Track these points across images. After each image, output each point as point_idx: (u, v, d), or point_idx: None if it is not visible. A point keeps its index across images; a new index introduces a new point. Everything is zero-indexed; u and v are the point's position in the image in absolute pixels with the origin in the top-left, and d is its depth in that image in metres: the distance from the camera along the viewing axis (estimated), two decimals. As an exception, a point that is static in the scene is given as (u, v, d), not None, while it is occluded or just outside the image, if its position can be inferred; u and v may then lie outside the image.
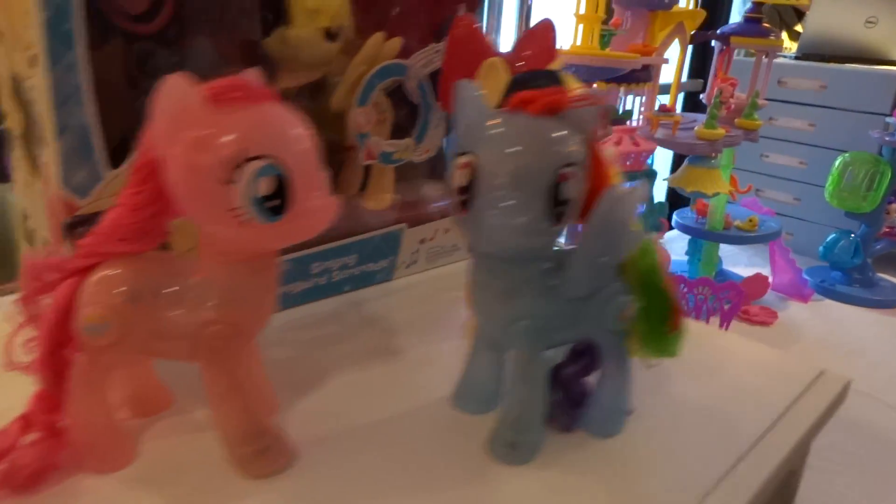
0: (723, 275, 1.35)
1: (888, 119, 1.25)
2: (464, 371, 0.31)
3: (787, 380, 0.38)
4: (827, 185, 1.30)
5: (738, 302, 0.96)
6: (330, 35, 0.36)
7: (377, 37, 0.38)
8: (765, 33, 1.20)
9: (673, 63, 1.15)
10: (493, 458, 0.28)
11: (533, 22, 0.43)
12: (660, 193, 1.15)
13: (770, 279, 1.33)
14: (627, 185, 0.27)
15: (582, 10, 0.88)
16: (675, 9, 1.12)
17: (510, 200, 0.24)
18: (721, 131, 1.06)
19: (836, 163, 1.29)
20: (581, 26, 0.87)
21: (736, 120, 1.17)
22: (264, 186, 0.21)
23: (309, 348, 0.35)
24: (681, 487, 0.28)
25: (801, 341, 1.13)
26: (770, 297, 1.30)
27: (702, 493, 0.27)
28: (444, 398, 0.31)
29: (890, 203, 1.29)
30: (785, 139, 1.56)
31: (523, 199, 0.24)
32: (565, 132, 0.25)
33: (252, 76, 0.24)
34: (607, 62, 0.89)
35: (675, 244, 1.40)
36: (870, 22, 1.64)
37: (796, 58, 1.73)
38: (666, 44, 1.12)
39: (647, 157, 0.79)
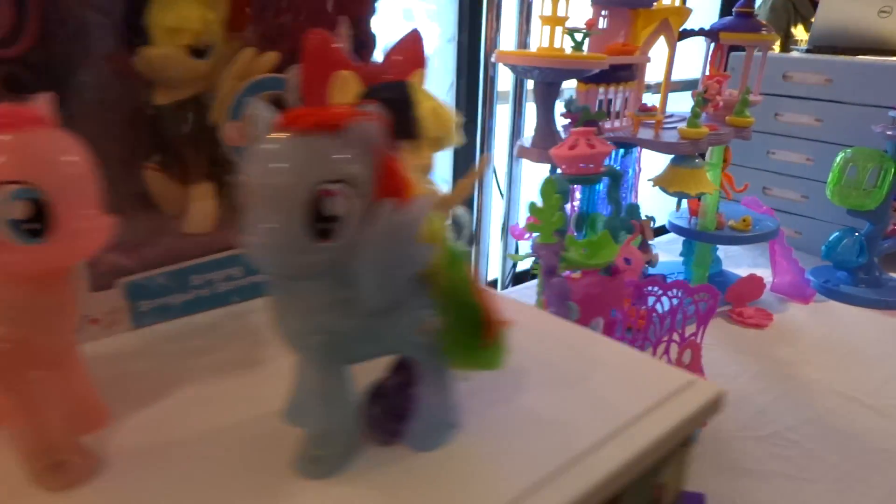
0: (723, 276, 1.31)
1: (891, 113, 1.20)
2: (294, 385, 0.31)
3: (647, 389, 0.37)
4: (828, 181, 1.26)
5: (713, 304, 0.94)
6: (196, 52, 0.37)
7: (247, 51, 0.39)
8: (756, 28, 1.17)
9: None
10: (298, 473, 0.28)
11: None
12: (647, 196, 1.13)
13: (772, 280, 1.29)
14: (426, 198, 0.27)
15: (547, 13, 0.87)
16: (658, 6, 1.10)
17: (266, 220, 0.24)
18: (704, 130, 1.03)
19: (837, 159, 1.25)
20: (546, 28, 0.86)
21: (727, 117, 1.14)
22: (19, 210, 0.22)
23: (170, 360, 0.36)
24: (483, 499, 0.28)
25: (796, 343, 1.10)
26: (770, 298, 1.27)
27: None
28: (281, 411, 0.32)
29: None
30: (791, 135, 1.51)
31: (278, 218, 0.24)
32: (328, 148, 0.25)
33: (37, 102, 0.25)
34: (571, 63, 0.88)
35: (672, 246, 1.37)
36: (884, 11, 1.58)
37: (807, 51, 1.68)
38: (650, 42, 1.10)
39: (603, 159, 0.77)
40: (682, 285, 0.91)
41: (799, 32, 2.05)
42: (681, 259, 1.30)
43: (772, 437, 0.84)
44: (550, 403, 0.34)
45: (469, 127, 1.32)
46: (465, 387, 0.31)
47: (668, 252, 1.35)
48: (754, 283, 1.19)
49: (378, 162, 0.26)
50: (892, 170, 1.21)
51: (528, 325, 0.46)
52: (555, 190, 0.66)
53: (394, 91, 0.34)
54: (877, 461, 0.80)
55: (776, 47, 1.87)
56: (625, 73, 1.08)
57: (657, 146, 1.03)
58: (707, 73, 1.22)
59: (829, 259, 1.29)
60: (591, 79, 1.04)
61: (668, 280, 1.19)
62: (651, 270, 1.16)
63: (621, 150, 1.08)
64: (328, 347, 0.26)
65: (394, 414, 0.30)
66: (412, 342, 0.28)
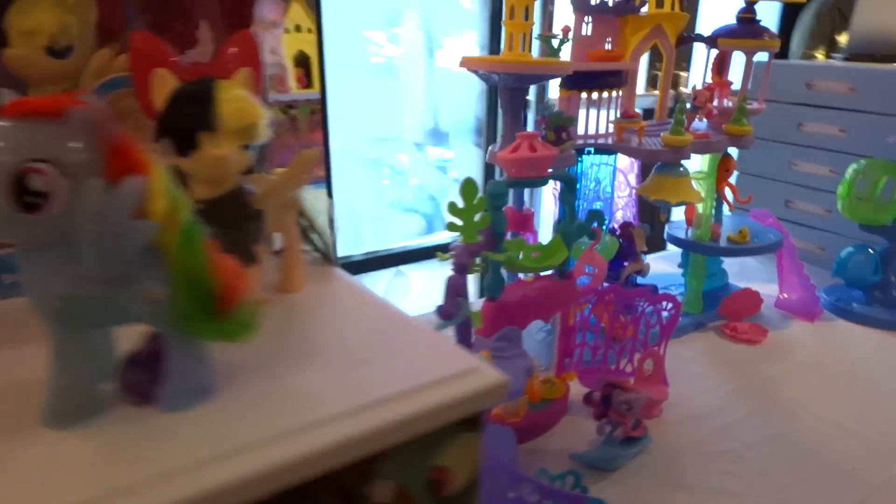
0: (727, 290, 1.27)
1: (905, 124, 1.14)
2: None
3: (425, 370, 0.38)
4: (838, 194, 1.20)
5: (675, 314, 0.91)
6: (55, 53, 0.41)
7: (103, 52, 0.42)
8: (757, 34, 1.13)
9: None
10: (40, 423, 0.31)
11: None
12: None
13: (779, 295, 1.24)
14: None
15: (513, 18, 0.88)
16: (650, 11, 1.08)
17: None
18: (687, 137, 1.01)
19: (849, 170, 1.19)
20: (511, 34, 0.87)
21: (724, 125, 1.11)
22: None
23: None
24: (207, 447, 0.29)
25: (786, 361, 1.05)
26: (773, 314, 1.22)
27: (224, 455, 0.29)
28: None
29: (916, 215, 1.17)
30: (814, 146, 1.45)
31: None
32: (37, 132, 0.28)
33: None
34: (533, 69, 0.88)
35: (673, 258, 1.34)
36: None
37: (844, 58, 1.61)
38: (640, 48, 1.09)
39: (547, 163, 0.77)
40: (645, 294, 0.90)
41: (844, 39, 1.95)
42: (680, 271, 1.27)
43: (727, 453, 0.81)
44: (320, 376, 0.36)
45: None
46: (236, 356, 0.35)
47: (673, 263, 1.32)
48: (750, 297, 1.15)
49: (106, 145, 0.29)
50: (906, 183, 1.14)
51: (344, 306, 0.50)
52: (476, 191, 0.67)
53: (198, 86, 0.37)
54: (835, 486, 0.76)
55: (819, 55, 1.79)
56: (613, 79, 1.07)
57: (636, 153, 1.02)
58: (709, 80, 1.19)
59: (840, 276, 1.23)
60: (573, 85, 1.04)
61: (661, 291, 1.18)
62: (644, 281, 1.14)
63: (600, 157, 1.07)
64: (64, 313, 0.29)
65: (146, 378, 0.32)
66: (144, 311, 0.30)
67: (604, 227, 0.91)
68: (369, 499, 0.34)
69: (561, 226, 0.84)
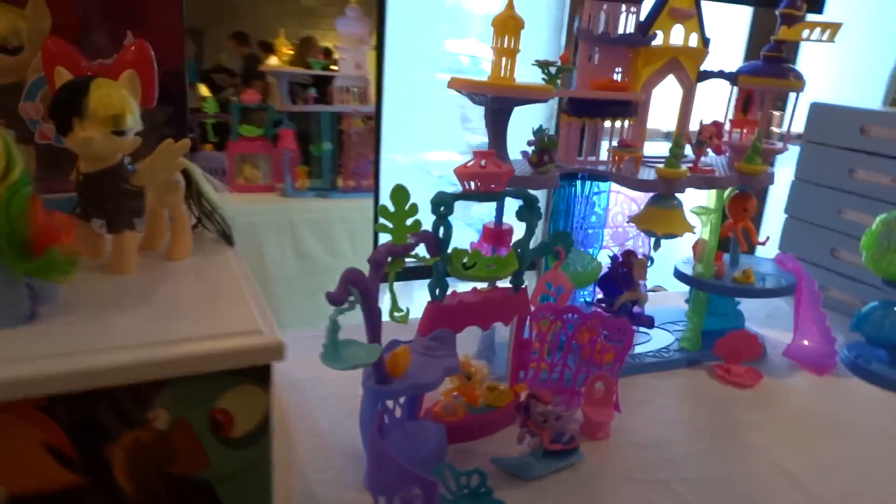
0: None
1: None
2: None
3: (212, 324, 0.44)
4: (862, 245, 1.14)
5: (628, 341, 0.91)
6: (7, 50, 0.52)
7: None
8: (782, 74, 1.11)
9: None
10: None
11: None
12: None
13: (791, 343, 1.19)
14: None
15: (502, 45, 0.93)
16: (664, 45, 1.10)
17: None
18: (682, 171, 1.01)
19: (875, 222, 1.12)
20: (498, 59, 0.93)
21: (736, 163, 1.10)
22: None
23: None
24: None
25: (769, 409, 1.01)
26: (783, 362, 1.17)
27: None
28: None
29: (952, 274, 1.09)
30: (865, 195, 1.37)
31: None
32: None
33: None
34: (515, 92, 0.93)
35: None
36: None
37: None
38: (653, 81, 1.11)
39: (495, 180, 0.81)
40: (600, 317, 0.92)
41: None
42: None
43: (657, 483, 0.81)
44: (132, 318, 0.46)
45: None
46: (78, 296, 0.44)
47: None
48: (748, 340, 1.12)
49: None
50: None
51: (206, 275, 0.60)
52: (407, 198, 0.73)
53: (79, 81, 0.47)
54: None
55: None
56: (619, 108, 1.09)
57: (626, 181, 1.03)
58: (732, 117, 1.18)
59: (859, 331, 1.16)
60: (575, 111, 1.07)
61: (663, 324, 1.17)
62: (653, 312, 1.14)
63: (588, 184, 1.09)
64: None
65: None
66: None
67: (569, 250, 0.93)
68: (148, 422, 0.41)
69: (518, 242, 0.88)
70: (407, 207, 0.73)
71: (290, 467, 0.83)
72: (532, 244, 0.89)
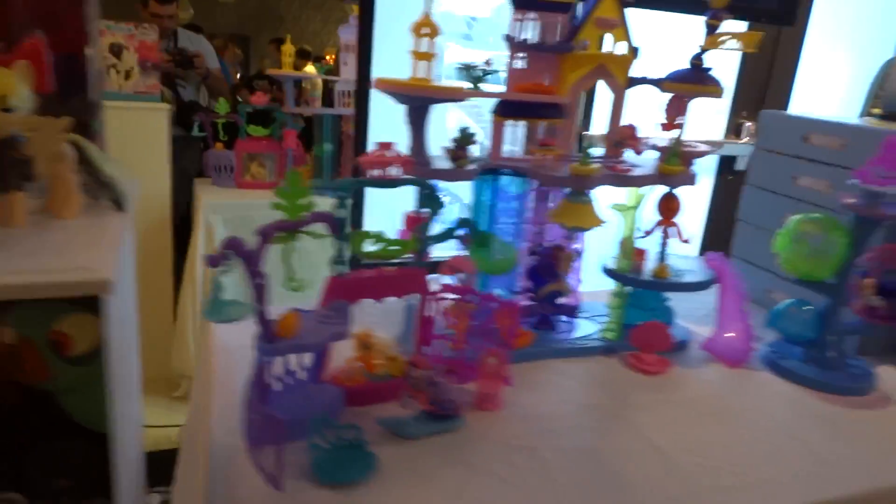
0: (678, 328, 1.30)
1: (852, 180, 1.11)
2: None
3: (57, 264, 0.55)
4: (776, 245, 1.19)
5: (515, 322, 0.99)
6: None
7: (-30, 45, 0.65)
8: (702, 80, 1.18)
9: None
10: None
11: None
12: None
13: (709, 337, 1.25)
14: None
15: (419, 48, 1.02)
16: (590, 51, 1.17)
17: None
18: (592, 168, 1.09)
19: (790, 223, 1.17)
20: (416, 61, 1.02)
21: (659, 166, 1.17)
22: None
23: None
24: None
25: (666, 394, 1.08)
26: (701, 355, 1.23)
27: None
28: None
29: (863, 276, 1.14)
30: (806, 200, 1.41)
31: None
32: None
33: None
34: (430, 92, 1.02)
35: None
36: None
37: (882, 117, 1.55)
38: (580, 85, 1.19)
39: (404, 167, 0.91)
40: (490, 297, 1.00)
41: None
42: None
43: (526, 449, 0.89)
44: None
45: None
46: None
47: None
48: (657, 331, 1.18)
49: None
50: (844, 239, 1.12)
51: (84, 231, 0.71)
52: (300, 180, 0.83)
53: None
54: (615, 494, 0.82)
55: (875, 110, 1.71)
56: (546, 110, 1.17)
57: (539, 176, 1.11)
58: (665, 121, 1.24)
59: (774, 327, 1.21)
60: (503, 112, 1.16)
61: (591, 316, 1.25)
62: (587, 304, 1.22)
63: (510, 179, 1.17)
64: None
65: None
66: None
67: (475, 237, 1.02)
68: (-1, 340, 0.52)
69: (419, 227, 0.97)
70: (300, 189, 0.84)
71: (206, 412, 0.95)
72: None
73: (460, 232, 1.01)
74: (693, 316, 1.37)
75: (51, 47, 0.68)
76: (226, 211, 2.35)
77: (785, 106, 2.50)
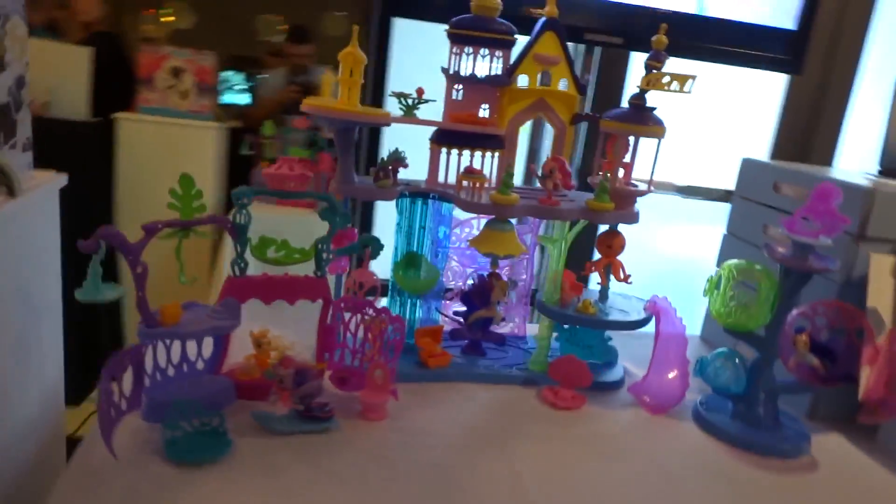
0: (608, 367, 1.28)
1: (782, 229, 1.07)
2: None
3: None
4: (704, 290, 1.16)
5: (401, 335, 1.02)
6: None
7: None
8: (641, 120, 1.18)
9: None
10: None
11: None
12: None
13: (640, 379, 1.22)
14: None
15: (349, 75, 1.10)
16: (530, 86, 1.21)
17: None
18: (513, 198, 1.11)
19: (720, 269, 1.14)
20: (344, 87, 1.10)
21: (587, 200, 1.18)
22: None
23: None
24: None
25: (561, 430, 1.06)
26: (627, 396, 1.21)
27: None
28: None
29: (798, 332, 1.09)
30: (773, 251, 1.35)
31: None
32: None
33: None
34: (354, 117, 1.09)
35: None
36: None
37: (879, 172, 1.48)
38: (519, 119, 1.23)
39: (293, 182, 0.98)
40: (387, 312, 1.04)
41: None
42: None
43: (382, 458, 0.91)
44: None
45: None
46: None
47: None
48: (576, 366, 1.17)
49: None
50: (774, 289, 1.07)
51: None
52: (192, 185, 0.92)
53: None
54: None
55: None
56: (483, 141, 1.21)
57: (459, 203, 1.15)
58: (605, 157, 1.25)
59: (700, 376, 1.17)
60: (439, 139, 1.21)
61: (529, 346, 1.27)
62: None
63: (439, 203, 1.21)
64: None
65: None
66: None
67: (377, 252, 1.07)
68: None
69: (319, 239, 1.03)
70: (193, 192, 0.93)
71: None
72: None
73: (366, 247, 1.06)
74: (638, 356, 1.33)
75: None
76: (262, 225, 2.51)
77: (830, 160, 2.39)
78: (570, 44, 1.23)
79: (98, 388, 0.82)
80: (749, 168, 1.46)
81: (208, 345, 1.01)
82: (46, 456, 1.15)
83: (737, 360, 1.13)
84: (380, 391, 1.01)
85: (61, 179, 1.08)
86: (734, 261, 1.13)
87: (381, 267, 1.19)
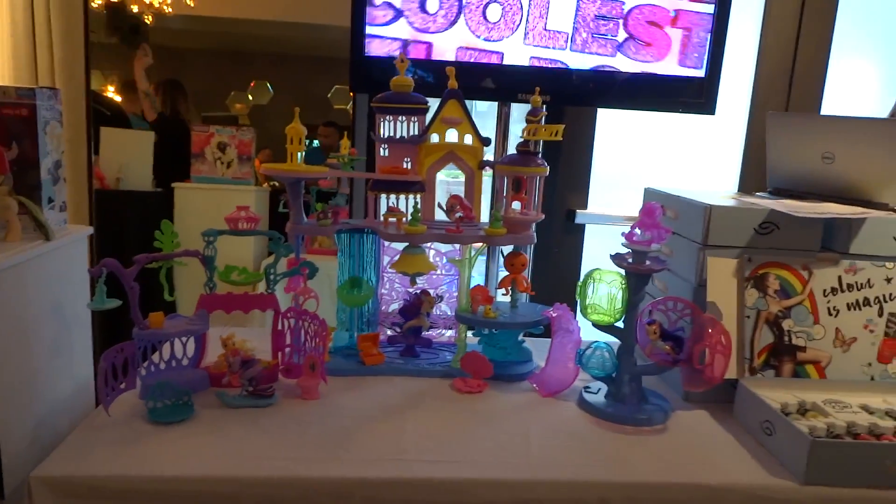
0: (521, 364, 1.56)
1: (623, 242, 1.34)
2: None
3: None
4: (578, 294, 1.43)
5: (324, 331, 1.34)
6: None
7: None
8: (526, 163, 1.49)
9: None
10: None
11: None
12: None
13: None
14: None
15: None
16: (440, 142, 1.56)
17: None
18: (422, 228, 1.44)
19: (583, 278, 1.41)
20: (291, 152, 1.48)
21: (484, 229, 1.49)
22: None
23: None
24: None
25: (455, 403, 1.35)
26: (525, 385, 1.48)
27: None
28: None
29: (649, 323, 1.34)
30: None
31: None
32: None
33: None
34: (299, 174, 1.46)
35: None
36: (827, 158, 1.57)
37: (770, 192, 1.72)
38: (435, 167, 1.57)
39: (253, 224, 1.35)
40: (317, 318, 1.38)
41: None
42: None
43: (293, 421, 1.24)
44: None
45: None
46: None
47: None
48: (480, 361, 1.45)
49: None
50: (625, 289, 1.34)
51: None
52: (170, 228, 1.31)
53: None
54: (330, 450, 1.15)
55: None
56: (408, 186, 1.56)
57: (383, 234, 1.48)
58: (506, 193, 1.56)
59: (580, 366, 1.43)
60: (375, 187, 1.57)
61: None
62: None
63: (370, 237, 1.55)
64: None
65: None
66: None
67: (313, 274, 1.42)
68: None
69: (268, 265, 1.40)
70: (171, 233, 1.32)
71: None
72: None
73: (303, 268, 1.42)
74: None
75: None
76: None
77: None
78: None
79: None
80: (650, 196, 1.72)
81: (192, 346, 1.39)
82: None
83: (606, 350, 1.39)
84: (312, 377, 1.35)
85: (88, 230, 1.50)
86: (600, 268, 1.40)
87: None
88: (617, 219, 2.45)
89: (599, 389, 1.42)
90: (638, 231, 1.32)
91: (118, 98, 3.93)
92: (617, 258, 1.35)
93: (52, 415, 1.36)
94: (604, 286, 1.39)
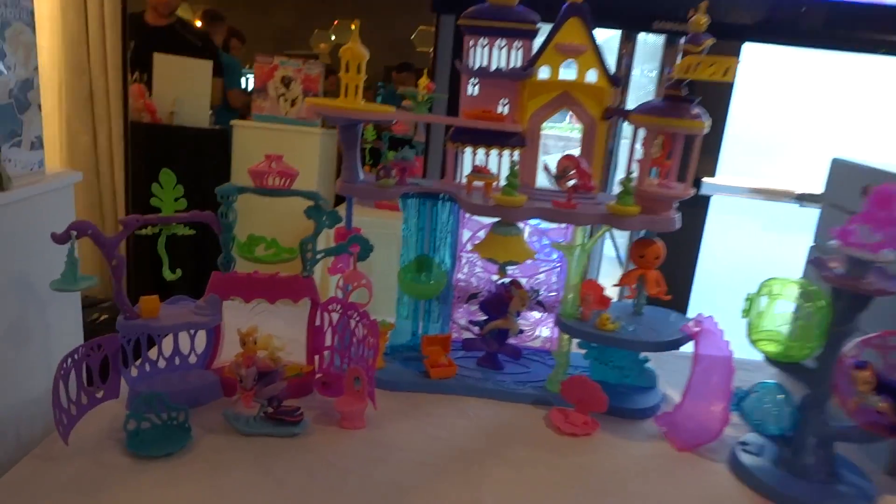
0: (643, 392, 1.14)
1: (830, 242, 0.88)
2: None
3: None
4: (743, 312, 0.98)
5: (376, 338, 0.95)
6: None
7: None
8: (677, 113, 1.03)
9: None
10: None
11: None
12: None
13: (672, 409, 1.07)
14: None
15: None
16: (552, 78, 1.12)
17: None
18: (519, 199, 1.02)
19: (757, 289, 0.96)
20: (346, 84, 1.07)
21: (607, 204, 1.06)
22: None
23: None
24: None
25: (555, 454, 0.95)
26: (649, 427, 1.06)
27: None
28: None
29: (859, 367, 0.89)
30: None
31: None
32: None
33: None
34: (358, 113, 1.06)
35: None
36: None
37: None
38: (541, 114, 1.14)
39: (287, 180, 0.96)
40: (365, 315, 0.99)
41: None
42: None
43: (332, 468, 0.87)
44: None
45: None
46: None
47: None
48: (589, 389, 1.04)
49: None
50: (827, 311, 0.88)
51: None
52: (172, 181, 0.94)
53: None
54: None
55: None
56: (502, 138, 1.13)
57: (464, 204, 1.07)
58: (643, 156, 1.11)
59: (738, 411, 0.99)
60: (457, 137, 1.15)
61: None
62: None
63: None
64: None
65: None
66: None
67: (367, 253, 1.03)
68: None
69: (305, 238, 1.01)
70: (174, 188, 0.95)
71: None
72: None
73: (350, 246, 1.03)
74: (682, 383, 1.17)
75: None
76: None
77: None
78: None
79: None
80: (839, 169, 1.23)
81: (202, 338, 1.04)
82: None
83: (780, 396, 0.95)
84: (355, 399, 0.97)
85: (75, 176, 1.16)
86: (779, 277, 0.94)
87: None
88: (755, 194, 1.93)
89: (763, 448, 0.98)
90: (858, 228, 0.85)
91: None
92: (819, 265, 0.89)
93: (17, 421, 1.04)
94: (784, 303, 0.94)
